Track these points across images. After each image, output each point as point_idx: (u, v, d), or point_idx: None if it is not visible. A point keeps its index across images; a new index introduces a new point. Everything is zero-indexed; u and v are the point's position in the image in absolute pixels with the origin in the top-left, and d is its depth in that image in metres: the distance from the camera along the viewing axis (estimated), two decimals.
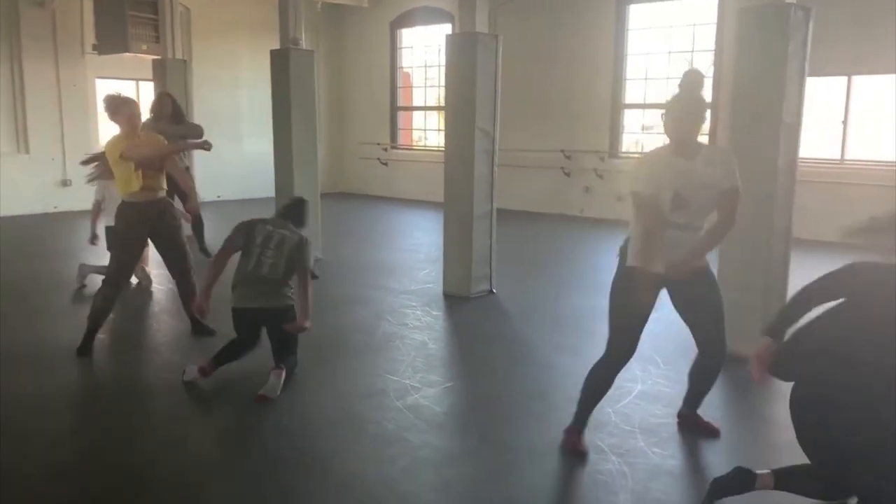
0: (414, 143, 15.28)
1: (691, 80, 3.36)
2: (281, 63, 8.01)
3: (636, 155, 12.03)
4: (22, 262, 8.17)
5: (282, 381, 4.25)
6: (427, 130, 14.98)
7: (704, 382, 3.76)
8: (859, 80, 9.71)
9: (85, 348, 4.98)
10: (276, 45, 8.16)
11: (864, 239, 2.88)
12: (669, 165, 3.33)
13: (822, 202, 9.64)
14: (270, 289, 4.34)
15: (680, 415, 3.94)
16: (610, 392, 4.36)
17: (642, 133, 12.27)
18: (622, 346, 3.55)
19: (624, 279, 3.52)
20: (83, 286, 6.81)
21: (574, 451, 3.55)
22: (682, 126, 3.32)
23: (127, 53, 10.50)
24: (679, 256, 3.33)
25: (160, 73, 9.79)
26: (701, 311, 3.58)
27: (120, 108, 4.94)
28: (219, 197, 13.15)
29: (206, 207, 8.40)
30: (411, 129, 15.46)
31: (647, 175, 3.37)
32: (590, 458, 3.54)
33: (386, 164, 14.90)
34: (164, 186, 5.15)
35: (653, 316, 6.08)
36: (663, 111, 3.41)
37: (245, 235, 4.45)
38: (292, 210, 4.64)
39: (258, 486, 3.34)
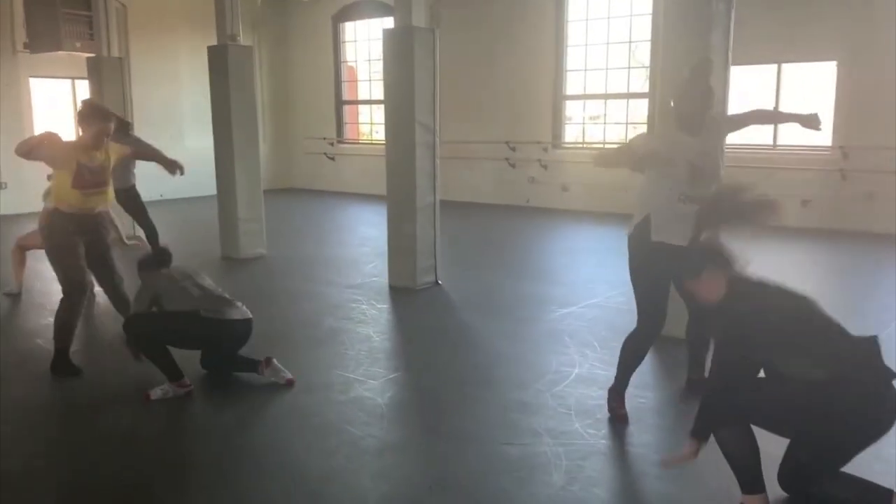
0: (360, 137, 15.27)
1: (700, 65, 3.71)
2: (219, 59, 7.95)
3: (580, 145, 12.26)
4: None
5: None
6: (374, 124, 14.97)
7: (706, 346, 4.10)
8: (788, 68, 10.04)
9: (59, 367, 4.61)
10: (215, 41, 8.08)
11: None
12: (678, 141, 3.66)
13: (757, 187, 9.96)
14: None
15: (689, 381, 4.25)
16: (548, 376, 4.53)
17: (589, 123, 12.47)
18: (655, 317, 3.75)
19: (650, 254, 3.68)
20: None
21: (615, 415, 3.84)
22: (690, 104, 3.64)
23: (60, 51, 10.29)
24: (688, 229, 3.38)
25: (95, 71, 9.59)
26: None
27: (95, 119, 4.54)
28: (161, 196, 12.92)
29: (149, 207, 8.25)
30: (357, 124, 15.44)
31: (657, 145, 3.72)
32: (527, 441, 3.64)
33: (333, 158, 14.85)
34: (108, 201, 4.80)
35: (589, 301, 6.30)
36: (673, 96, 3.81)
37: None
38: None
39: (199, 478, 3.37)
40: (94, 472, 3.46)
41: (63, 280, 4.66)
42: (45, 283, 7.16)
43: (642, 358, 3.90)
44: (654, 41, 10.83)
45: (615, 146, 4.22)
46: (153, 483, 3.35)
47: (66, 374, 4.59)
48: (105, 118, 4.61)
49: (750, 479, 2.86)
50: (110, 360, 4.97)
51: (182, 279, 4.47)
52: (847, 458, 2.88)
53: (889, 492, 2.83)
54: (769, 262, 5.55)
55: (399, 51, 6.49)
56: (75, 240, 4.63)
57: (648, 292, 3.76)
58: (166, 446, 3.80)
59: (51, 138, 4.42)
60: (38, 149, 4.34)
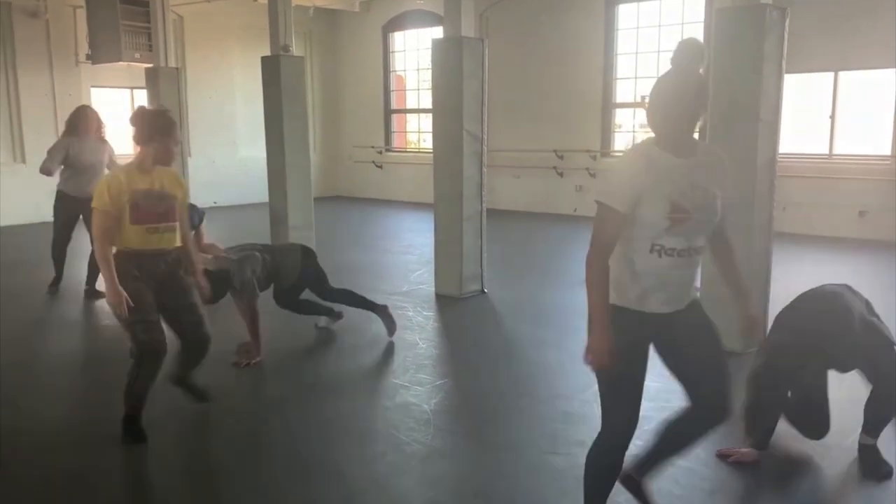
0: (408, 146, 15.39)
1: (688, 53, 2.52)
2: (272, 70, 8.11)
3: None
4: (21, 272, 8.25)
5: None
6: (422, 133, 15.08)
7: (680, 445, 2.93)
8: (845, 76, 9.80)
9: (127, 431, 3.78)
10: (268, 52, 8.26)
11: None
12: (659, 165, 2.47)
13: (811, 196, 9.76)
14: None
15: (624, 477, 2.98)
16: (593, 387, 4.46)
17: (639, 131, 12.34)
18: (618, 416, 2.67)
19: (621, 328, 2.52)
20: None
21: None
22: (676, 112, 2.47)
23: (120, 62, 10.63)
24: (678, 292, 2.58)
25: (153, 81, 9.88)
26: (693, 358, 2.69)
27: (153, 132, 3.73)
28: (215, 203, 13.24)
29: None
30: (405, 132, 15.57)
31: (626, 182, 2.49)
32: (571, 451, 3.63)
33: (381, 166, 15.00)
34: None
35: None
36: (647, 95, 2.59)
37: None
38: None
39: (247, 483, 3.44)
40: (139, 467, 3.56)
41: (132, 340, 3.80)
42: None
43: (613, 479, 2.84)
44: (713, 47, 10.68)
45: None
46: (195, 485, 3.44)
47: (132, 439, 3.76)
48: (166, 131, 3.75)
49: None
50: None
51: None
52: None
53: None
54: (825, 274, 5.42)
55: (448, 61, 6.55)
56: (140, 286, 3.67)
57: (613, 379, 2.62)
58: (210, 451, 3.88)
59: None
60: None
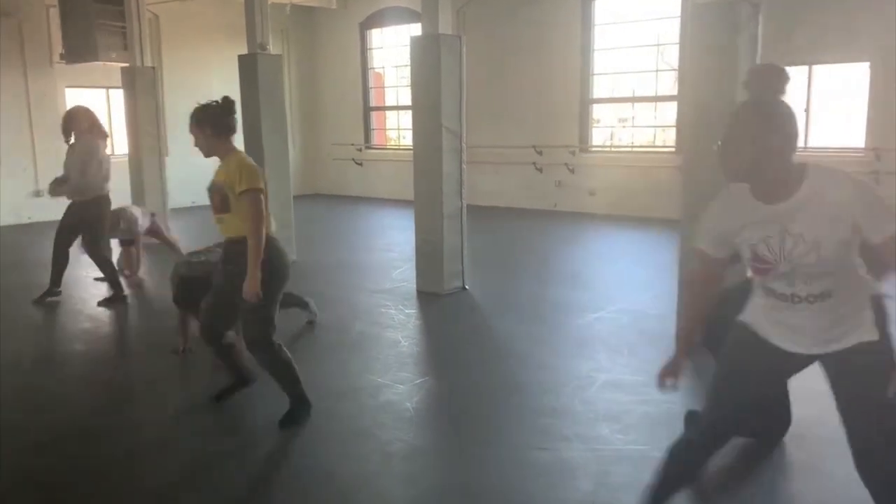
0: (388, 143, 15.36)
1: (768, 79, 2.23)
2: (249, 68, 8.07)
3: (607, 149, 12.22)
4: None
5: None
6: (401, 130, 15.06)
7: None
8: (819, 70, 9.92)
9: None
10: (246, 50, 8.21)
11: None
12: (744, 210, 2.29)
13: None
14: None
15: None
16: (577, 381, 4.54)
17: (618, 126, 12.41)
18: (719, 421, 2.59)
19: (742, 344, 2.47)
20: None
21: None
22: (758, 150, 2.16)
23: (96, 62, 10.50)
24: (807, 335, 2.34)
25: (129, 80, 9.79)
26: (853, 407, 2.35)
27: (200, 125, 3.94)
28: (193, 202, 13.14)
29: (180, 214, 8.39)
30: (385, 129, 15.54)
31: (709, 223, 2.42)
32: (556, 446, 3.66)
33: (360, 164, 14.97)
34: (234, 229, 3.87)
35: (617, 306, 6.27)
36: (721, 138, 2.24)
37: None
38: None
39: (230, 480, 3.43)
40: (132, 463, 3.55)
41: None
42: (84, 289, 7.34)
43: (690, 483, 2.93)
44: (682, 44, 10.76)
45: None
46: (179, 484, 3.43)
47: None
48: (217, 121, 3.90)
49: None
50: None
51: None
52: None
53: None
54: None
55: (426, 58, 6.55)
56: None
57: (730, 389, 2.55)
58: (193, 448, 3.87)
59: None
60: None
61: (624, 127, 12.31)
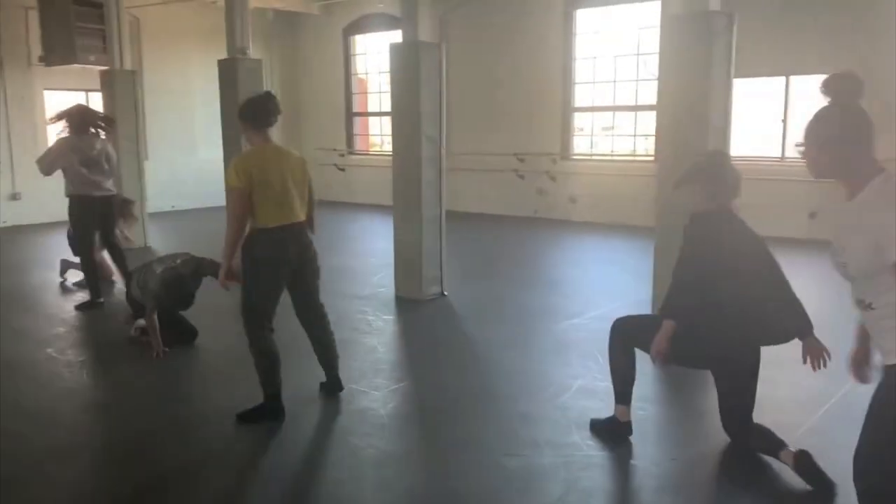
0: (371, 149, 15.36)
1: (846, 87, 2.36)
2: (229, 72, 8.07)
3: (588, 157, 12.29)
4: None
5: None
6: (384, 135, 15.06)
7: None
8: (796, 80, 10.05)
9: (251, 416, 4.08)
10: (226, 54, 8.20)
11: (680, 192, 3.66)
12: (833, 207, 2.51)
13: (763, 199, 9.96)
14: None
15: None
16: (551, 388, 4.56)
17: (601, 134, 12.47)
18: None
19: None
20: (64, 280, 7.61)
21: None
22: (832, 153, 2.33)
23: (75, 64, 10.43)
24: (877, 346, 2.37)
25: (108, 83, 9.73)
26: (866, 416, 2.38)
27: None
28: (173, 207, 13.09)
29: (160, 218, 8.34)
30: (368, 135, 15.54)
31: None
32: (526, 452, 3.67)
33: (343, 169, 14.94)
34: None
35: (593, 313, 6.30)
36: (803, 138, 2.40)
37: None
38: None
39: (194, 487, 3.41)
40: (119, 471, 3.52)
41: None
42: (56, 296, 7.29)
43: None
44: (660, 53, 10.86)
45: None
46: (142, 493, 3.41)
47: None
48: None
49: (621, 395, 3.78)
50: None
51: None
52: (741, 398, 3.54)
53: (781, 444, 3.41)
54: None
55: (405, 65, 6.57)
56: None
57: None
58: (161, 452, 3.85)
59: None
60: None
61: (607, 135, 12.37)
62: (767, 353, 3.59)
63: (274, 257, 4.01)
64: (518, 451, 3.70)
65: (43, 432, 4.05)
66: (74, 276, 7.53)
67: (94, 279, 6.75)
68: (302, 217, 4.14)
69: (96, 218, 6.61)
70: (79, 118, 6.50)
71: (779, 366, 4.36)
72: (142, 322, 5.41)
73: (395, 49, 6.75)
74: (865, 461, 2.32)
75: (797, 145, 2.40)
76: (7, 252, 9.70)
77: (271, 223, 3.98)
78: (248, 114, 4.10)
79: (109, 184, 6.68)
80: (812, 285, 7.55)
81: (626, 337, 3.83)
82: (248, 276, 4.01)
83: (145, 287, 5.28)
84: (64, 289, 7.51)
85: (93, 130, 6.57)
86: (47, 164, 6.50)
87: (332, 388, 4.45)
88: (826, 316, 6.18)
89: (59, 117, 6.56)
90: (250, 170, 3.94)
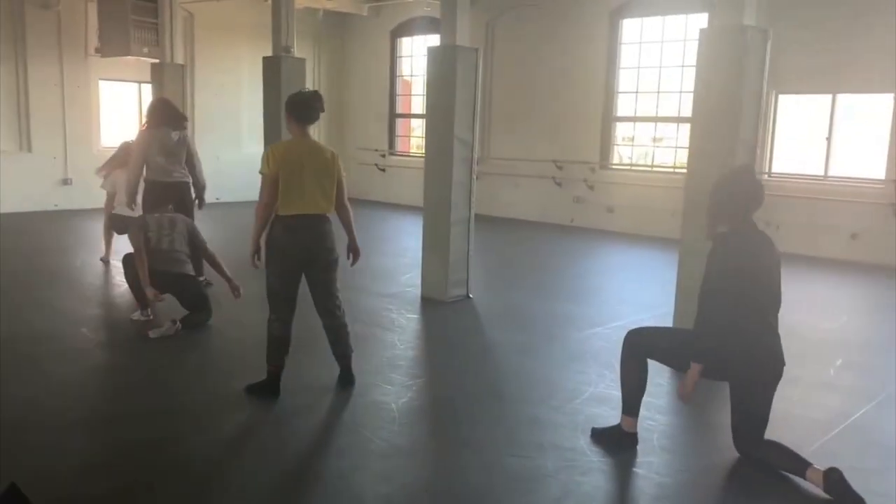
0: (411, 150, 15.50)
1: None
2: (273, 70, 8.26)
3: (627, 167, 12.22)
4: (20, 258, 8.40)
5: (169, 333, 5.42)
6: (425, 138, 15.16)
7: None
8: (843, 99, 9.86)
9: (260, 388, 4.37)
10: None
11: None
12: None
13: (804, 218, 9.81)
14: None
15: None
16: (563, 393, 4.59)
17: (649, 145, 12.36)
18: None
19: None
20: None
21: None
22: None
23: (129, 56, 10.79)
24: None
25: (158, 76, 10.04)
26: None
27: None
28: (218, 199, 13.36)
29: (207, 210, 8.54)
30: (409, 137, 15.68)
31: None
32: (530, 454, 3.71)
33: (383, 170, 15.12)
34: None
35: (615, 323, 6.29)
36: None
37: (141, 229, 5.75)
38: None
39: (207, 473, 3.53)
40: (124, 463, 3.67)
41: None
42: (97, 278, 7.54)
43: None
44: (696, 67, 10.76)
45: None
46: (161, 474, 3.54)
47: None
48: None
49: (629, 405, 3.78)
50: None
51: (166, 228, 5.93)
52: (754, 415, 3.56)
53: (806, 462, 3.41)
54: (816, 295, 5.40)
55: (441, 68, 6.66)
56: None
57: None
58: (179, 433, 3.98)
59: None
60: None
61: (656, 146, 12.25)
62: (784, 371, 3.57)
63: (286, 244, 4.23)
64: (522, 452, 3.74)
65: (71, 405, 4.23)
66: None
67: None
68: (323, 210, 4.35)
69: (172, 203, 6.78)
70: (156, 115, 6.99)
71: (793, 384, 4.33)
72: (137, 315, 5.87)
73: (433, 52, 6.85)
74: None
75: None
76: (55, 235, 10.06)
77: (289, 211, 4.21)
78: (293, 106, 4.33)
79: (184, 172, 7.05)
80: (853, 307, 7.43)
81: (641, 348, 3.81)
82: (266, 261, 4.31)
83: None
84: (106, 271, 7.77)
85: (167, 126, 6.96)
86: (135, 166, 6.99)
87: (344, 381, 4.58)
88: (869, 336, 6.06)
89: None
90: (279, 158, 4.20)
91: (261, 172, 4.26)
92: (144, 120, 7.07)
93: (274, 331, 4.34)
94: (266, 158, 4.24)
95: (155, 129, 6.89)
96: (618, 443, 3.80)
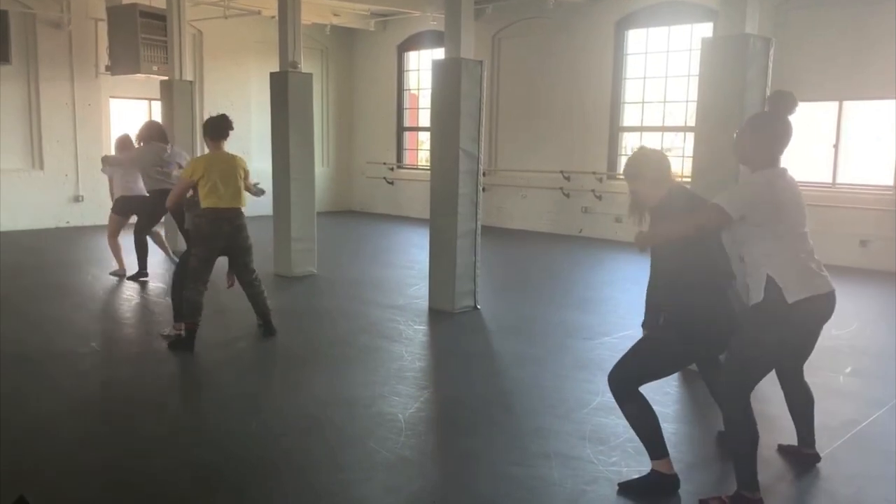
0: (419, 163, 15.57)
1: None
2: (280, 85, 8.32)
3: None
4: (32, 274, 8.48)
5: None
6: None
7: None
8: (850, 106, 9.84)
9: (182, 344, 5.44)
10: None
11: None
12: (774, 182, 3.58)
13: (813, 224, 9.74)
14: None
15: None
16: (569, 403, 4.58)
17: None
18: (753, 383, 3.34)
19: (783, 317, 3.23)
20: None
21: None
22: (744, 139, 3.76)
23: (139, 74, 10.92)
24: None
25: (167, 93, 10.14)
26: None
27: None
28: None
29: None
30: (417, 150, 15.76)
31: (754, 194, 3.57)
32: (535, 463, 3.71)
33: (391, 182, 15.19)
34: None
35: (623, 333, 6.29)
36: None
37: None
38: None
39: (212, 484, 3.55)
40: (119, 472, 3.69)
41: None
42: (106, 294, 7.59)
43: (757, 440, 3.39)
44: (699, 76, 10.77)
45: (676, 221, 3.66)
46: (168, 487, 3.56)
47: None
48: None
49: (654, 447, 3.42)
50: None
51: None
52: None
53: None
54: None
55: (446, 81, 6.71)
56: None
57: (771, 357, 3.38)
58: (185, 448, 4.01)
59: None
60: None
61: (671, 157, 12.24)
62: None
63: (210, 233, 5.43)
64: (526, 461, 3.74)
65: (76, 420, 4.27)
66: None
67: (144, 256, 8.02)
68: (237, 204, 5.58)
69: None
70: (145, 132, 7.80)
71: None
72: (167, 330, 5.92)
73: (438, 65, 6.91)
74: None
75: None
76: (66, 250, 10.16)
77: (212, 205, 5.40)
78: (208, 128, 5.60)
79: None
80: (863, 314, 7.38)
81: (629, 384, 3.45)
82: (193, 244, 5.51)
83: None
84: (118, 285, 7.84)
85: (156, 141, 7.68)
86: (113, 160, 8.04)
87: (265, 331, 5.84)
88: (879, 343, 6.02)
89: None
90: (200, 167, 5.42)
91: (180, 176, 5.62)
92: (136, 138, 7.92)
93: (194, 297, 5.38)
94: (190, 166, 5.53)
95: (147, 146, 7.61)
96: (661, 488, 3.43)
